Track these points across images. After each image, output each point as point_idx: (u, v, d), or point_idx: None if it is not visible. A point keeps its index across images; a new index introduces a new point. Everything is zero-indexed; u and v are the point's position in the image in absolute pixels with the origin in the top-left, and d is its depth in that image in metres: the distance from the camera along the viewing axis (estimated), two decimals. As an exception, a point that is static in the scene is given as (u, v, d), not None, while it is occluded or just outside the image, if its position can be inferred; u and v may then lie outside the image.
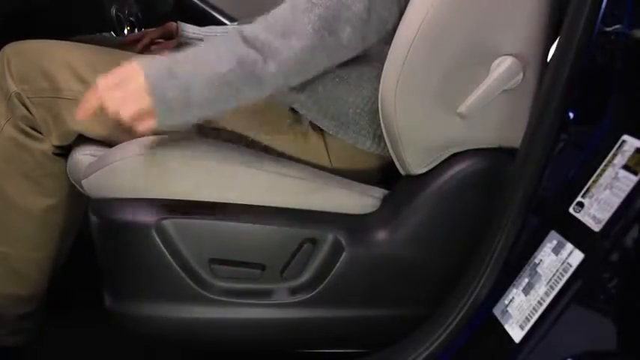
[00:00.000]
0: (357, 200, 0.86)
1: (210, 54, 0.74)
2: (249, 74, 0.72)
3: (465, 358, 0.72)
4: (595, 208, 0.62)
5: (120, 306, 0.83)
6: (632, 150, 0.60)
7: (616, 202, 0.59)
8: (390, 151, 0.85)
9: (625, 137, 0.61)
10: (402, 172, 0.87)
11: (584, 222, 0.62)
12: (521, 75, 0.75)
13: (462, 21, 0.74)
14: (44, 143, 0.86)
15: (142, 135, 0.76)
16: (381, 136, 0.87)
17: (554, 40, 0.74)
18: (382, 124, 0.84)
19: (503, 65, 0.74)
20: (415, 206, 0.81)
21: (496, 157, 0.80)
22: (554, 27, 0.75)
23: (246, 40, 0.73)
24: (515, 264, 0.69)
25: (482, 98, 0.74)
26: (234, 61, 0.71)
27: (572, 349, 0.63)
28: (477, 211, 0.80)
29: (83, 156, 0.87)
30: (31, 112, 0.84)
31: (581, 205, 0.64)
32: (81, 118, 0.73)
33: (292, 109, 0.89)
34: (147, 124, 0.71)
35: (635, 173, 0.59)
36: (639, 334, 0.63)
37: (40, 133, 0.86)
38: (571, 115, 0.67)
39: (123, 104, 0.69)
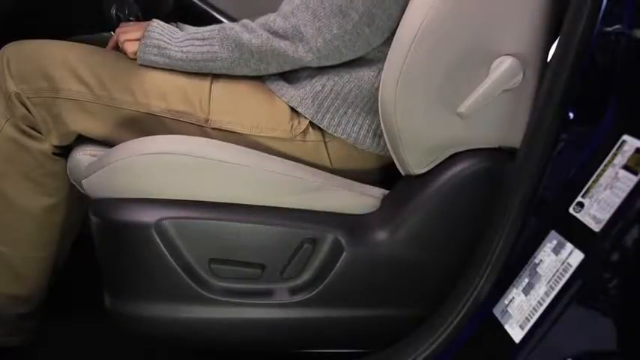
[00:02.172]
0: (357, 200, 0.86)
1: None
2: (226, 36, 0.86)
3: (465, 358, 0.72)
4: (595, 208, 0.62)
5: (120, 306, 0.83)
6: (632, 150, 0.60)
7: (616, 202, 0.59)
8: (390, 150, 0.85)
9: (625, 137, 0.61)
10: (402, 172, 0.87)
11: (584, 222, 0.62)
12: (521, 75, 0.74)
13: (462, 21, 0.74)
14: (44, 143, 0.86)
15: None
16: (380, 136, 0.87)
17: (554, 40, 0.74)
18: (382, 124, 0.84)
19: (503, 65, 0.74)
20: (415, 206, 0.81)
21: (496, 157, 0.80)
22: (554, 27, 0.75)
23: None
24: (515, 264, 0.69)
25: (482, 98, 0.74)
26: (218, 27, 0.88)
27: (572, 349, 0.63)
28: (476, 211, 0.80)
29: (83, 156, 0.87)
30: (30, 112, 0.84)
31: (581, 205, 0.64)
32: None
33: (292, 109, 0.89)
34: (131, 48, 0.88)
35: (635, 173, 0.59)
36: (639, 334, 0.63)
37: (40, 133, 0.86)
38: (571, 115, 0.67)
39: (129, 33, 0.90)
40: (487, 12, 0.74)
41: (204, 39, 0.86)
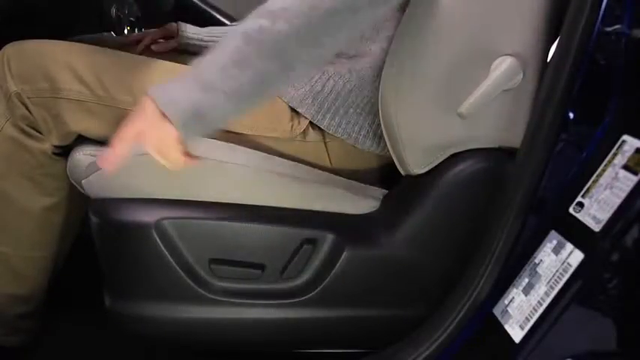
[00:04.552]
0: (357, 200, 0.86)
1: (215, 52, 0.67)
2: (259, 43, 0.63)
3: (465, 358, 0.72)
4: (595, 208, 0.62)
5: (120, 306, 0.83)
6: (632, 150, 0.60)
7: (616, 202, 0.59)
8: (390, 150, 0.85)
9: (625, 137, 0.61)
10: (402, 172, 0.87)
11: (584, 222, 0.62)
12: (521, 75, 0.75)
13: (461, 22, 0.74)
14: (44, 143, 0.86)
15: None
16: (381, 136, 0.87)
17: (554, 40, 0.74)
18: (382, 124, 0.84)
19: (503, 65, 0.74)
20: (415, 206, 0.81)
21: (496, 157, 0.80)
22: (554, 27, 0.75)
23: (251, 17, 0.66)
24: (515, 264, 0.69)
25: (482, 98, 0.74)
26: (238, 38, 0.64)
27: (572, 349, 0.63)
28: (476, 211, 0.80)
29: (83, 156, 0.87)
30: (31, 112, 0.84)
31: (581, 205, 0.64)
32: (108, 167, 0.68)
33: (292, 109, 0.89)
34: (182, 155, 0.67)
35: (635, 173, 0.59)
36: (639, 334, 0.63)
37: (40, 133, 0.86)
38: (571, 115, 0.67)
39: (160, 148, 0.66)
40: (487, 12, 0.74)
41: (235, 64, 0.65)
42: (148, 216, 0.78)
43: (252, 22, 0.65)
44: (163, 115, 0.64)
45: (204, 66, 0.66)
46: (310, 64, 0.68)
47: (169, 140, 0.64)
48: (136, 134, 0.65)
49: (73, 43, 0.89)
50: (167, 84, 0.66)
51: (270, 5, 0.65)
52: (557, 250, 0.65)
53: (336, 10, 0.63)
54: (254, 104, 0.68)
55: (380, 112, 0.83)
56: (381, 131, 0.85)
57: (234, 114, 0.67)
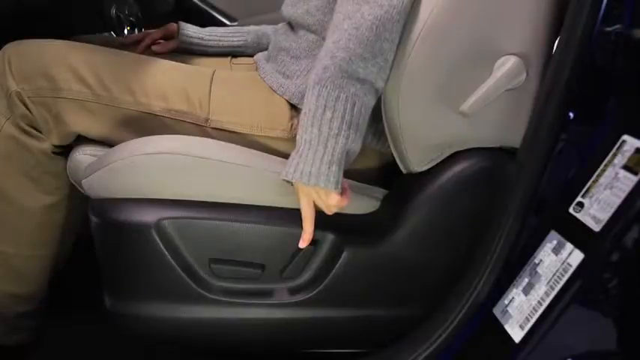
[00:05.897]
0: (357, 200, 0.86)
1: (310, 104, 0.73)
2: (331, 79, 0.71)
3: (465, 358, 0.72)
4: (595, 208, 0.62)
5: (120, 306, 0.83)
6: (632, 150, 0.60)
7: (616, 202, 0.59)
8: (392, 148, 0.85)
9: (625, 137, 0.61)
10: (403, 170, 0.87)
11: (584, 222, 0.62)
12: (524, 74, 0.75)
13: (465, 20, 0.74)
14: (44, 142, 0.86)
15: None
16: (382, 133, 0.87)
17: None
18: (384, 121, 0.84)
19: (506, 65, 0.74)
20: (415, 206, 0.81)
21: (497, 156, 0.80)
22: (557, 27, 0.75)
23: (314, 66, 0.74)
24: (515, 264, 0.69)
25: (484, 97, 0.74)
26: (313, 88, 0.72)
27: (572, 349, 0.64)
28: (477, 210, 0.80)
29: (83, 156, 0.87)
30: (31, 112, 0.84)
31: (581, 205, 0.64)
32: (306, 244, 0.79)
33: (291, 108, 0.89)
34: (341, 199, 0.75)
35: (635, 173, 0.59)
36: (639, 334, 0.63)
37: (41, 132, 0.86)
38: (571, 115, 0.67)
39: (330, 206, 0.76)
40: (491, 11, 0.74)
41: (325, 108, 0.72)
42: (148, 216, 0.78)
43: (316, 68, 0.72)
44: (315, 188, 0.74)
45: (304, 130, 0.73)
46: (382, 71, 0.74)
47: (333, 199, 0.74)
48: (312, 213, 0.77)
49: (73, 42, 0.90)
50: (294, 163, 0.74)
51: (324, 49, 0.73)
52: (557, 250, 0.65)
53: (377, 18, 0.71)
54: (365, 122, 0.74)
55: (382, 109, 0.83)
56: (383, 128, 0.85)
57: (356, 140, 0.74)
